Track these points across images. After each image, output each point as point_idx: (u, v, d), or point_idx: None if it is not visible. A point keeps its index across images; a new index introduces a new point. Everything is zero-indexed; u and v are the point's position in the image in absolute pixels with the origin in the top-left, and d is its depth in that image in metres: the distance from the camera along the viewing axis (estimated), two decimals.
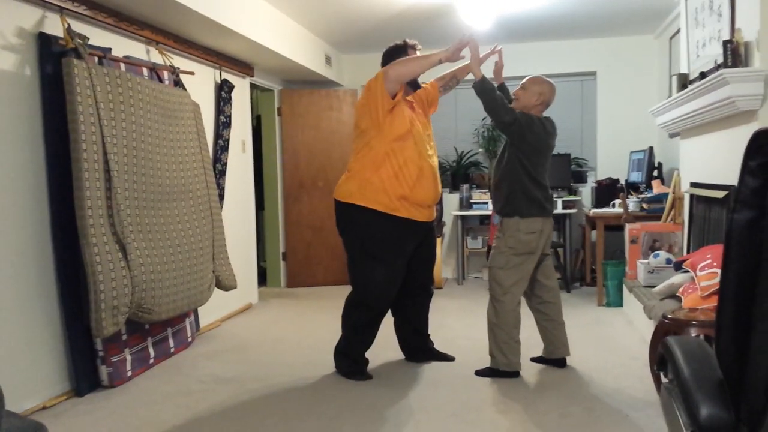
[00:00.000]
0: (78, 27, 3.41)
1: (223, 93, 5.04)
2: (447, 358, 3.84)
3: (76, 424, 3.01)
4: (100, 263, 3.21)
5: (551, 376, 3.51)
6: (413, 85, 3.62)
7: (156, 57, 4.19)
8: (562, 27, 5.96)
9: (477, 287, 6.29)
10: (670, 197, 4.83)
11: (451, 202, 6.77)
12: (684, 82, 4.17)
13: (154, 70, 4.03)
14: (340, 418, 3.01)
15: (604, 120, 6.58)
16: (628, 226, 4.84)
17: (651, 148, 5.69)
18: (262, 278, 6.54)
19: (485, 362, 3.56)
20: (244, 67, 5.51)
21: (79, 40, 3.29)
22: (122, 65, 3.70)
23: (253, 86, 5.97)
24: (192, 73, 4.52)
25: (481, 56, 3.45)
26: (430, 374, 3.62)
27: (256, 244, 5.94)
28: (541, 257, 3.54)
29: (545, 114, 3.58)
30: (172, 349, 4.07)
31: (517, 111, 3.42)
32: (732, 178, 3.38)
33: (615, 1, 5.14)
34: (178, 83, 4.26)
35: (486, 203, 6.35)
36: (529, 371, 3.58)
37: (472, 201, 6.52)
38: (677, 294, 3.55)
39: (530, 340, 3.81)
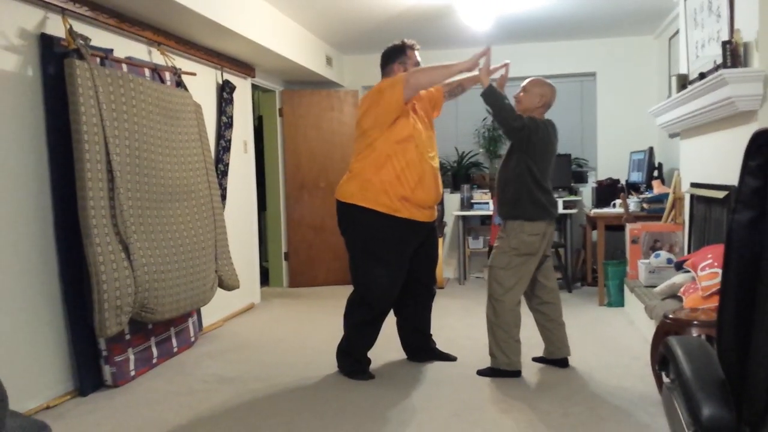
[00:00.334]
0: (80, 28, 3.42)
1: (225, 94, 5.05)
2: (449, 357, 3.85)
3: (79, 423, 3.02)
4: (103, 263, 3.22)
5: (553, 376, 3.52)
6: None
7: (158, 58, 4.20)
8: (561, 28, 5.97)
9: (478, 287, 6.29)
10: (670, 197, 4.83)
11: (452, 202, 6.78)
12: (683, 82, 4.18)
13: (156, 71, 4.04)
14: (342, 417, 3.02)
15: (604, 120, 6.58)
16: (628, 226, 4.85)
17: (651, 149, 5.70)
18: (265, 278, 6.55)
19: (487, 362, 3.57)
20: (245, 68, 5.52)
21: (81, 41, 3.30)
22: (124, 66, 3.71)
23: (254, 87, 5.98)
24: (194, 74, 4.53)
25: (491, 67, 3.47)
26: (432, 374, 3.63)
27: (258, 244, 5.95)
28: (542, 258, 3.55)
29: (546, 116, 3.59)
30: (175, 349, 4.08)
31: (523, 116, 3.45)
32: (732, 178, 3.39)
33: (614, 1, 5.15)
34: (179, 84, 4.27)
35: (487, 203, 6.36)
36: (531, 371, 3.59)
37: (473, 201, 6.52)
38: (678, 294, 3.56)
39: (531, 340, 3.82)
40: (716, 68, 3.49)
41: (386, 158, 3.41)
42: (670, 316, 2.95)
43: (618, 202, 5.45)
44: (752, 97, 3.14)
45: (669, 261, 4.33)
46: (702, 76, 3.68)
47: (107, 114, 3.34)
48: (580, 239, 6.53)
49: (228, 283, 4.39)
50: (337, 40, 6.31)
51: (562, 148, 6.32)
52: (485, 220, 6.73)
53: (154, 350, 3.85)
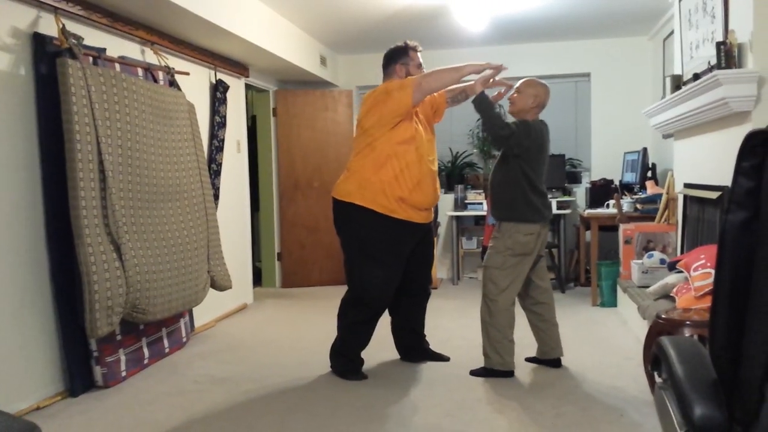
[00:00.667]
0: (72, 27, 3.41)
1: (218, 93, 5.04)
2: (442, 358, 3.85)
3: (70, 424, 3.00)
4: (94, 263, 3.20)
5: (546, 376, 3.52)
6: None
7: (151, 57, 4.18)
8: (556, 28, 5.97)
9: (472, 288, 6.29)
10: (663, 198, 4.84)
11: (446, 202, 6.77)
12: (678, 83, 4.19)
13: (149, 70, 4.02)
14: (335, 417, 3.01)
15: (599, 121, 6.60)
16: (622, 227, 4.85)
17: (645, 149, 5.71)
18: (257, 278, 6.52)
19: (480, 362, 3.57)
20: (239, 68, 5.50)
21: (73, 41, 3.28)
22: (117, 65, 3.70)
23: (248, 87, 5.96)
24: (187, 74, 4.51)
25: (493, 79, 3.49)
26: (426, 374, 3.62)
27: (251, 245, 5.93)
28: (536, 258, 3.55)
29: (541, 116, 3.59)
30: (167, 350, 4.06)
31: (515, 119, 3.45)
32: (725, 179, 3.40)
33: (609, 2, 5.16)
34: (173, 84, 4.25)
35: (481, 204, 6.36)
36: (524, 371, 3.59)
37: (467, 201, 6.53)
38: (671, 294, 3.56)
39: (525, 340, 3.82)
40: (710, 69, 3.50)
41: (386, 158, 3.41)
42: (663, 316, 2.95)
43: (611, 202, 5.46)
44: (746, 98, 3.15)
45: (662, 261, 4.34)
46: (696, 77, 3.68)
47: (99, 113, 3.33)
48: (573, 239, 6.54)
49: (220, 284, 4.38)
50: (331, 40, 6.30)
51: (556, 149, 6.39)
52: (479, 220, 6.73)
53: (146, 351, 3.83)
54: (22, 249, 3.16)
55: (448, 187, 6.86)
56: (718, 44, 3.31)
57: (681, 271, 3.57)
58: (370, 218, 3.43)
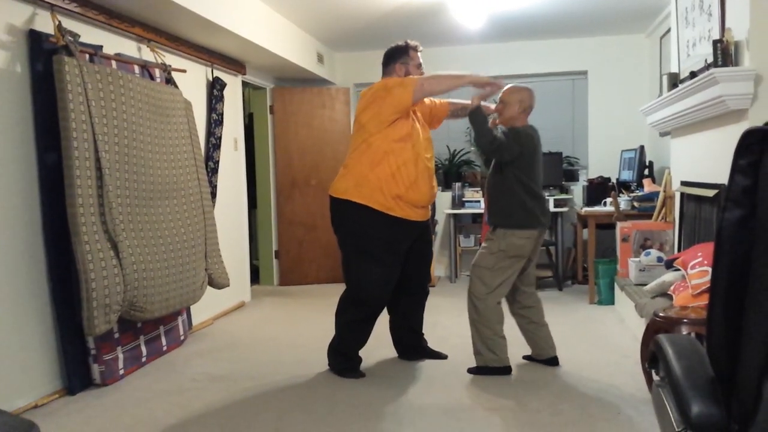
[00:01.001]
0: (69, 24, 3.39)
1: (215, 91, 5.03)
2: (440, 356, 3.85)
3: (68, 422, 3.00)
4: (91, 261, 3.19)
5: (543, 374, 3.52)
6: None
7: (147, 55, 4.17)
8: (553, 26, 5.97)
9: None
10: (660, 196, 4.85)
11: (444, 200, 6.78)
12: (674, 81, 4.19)
13: (146, 67, 4.01)
14: (332, 415, 3.01)
15: (596, 119, 6.60)
16: (619, 225, 4.86)
17: (642, 147, 5.71)
18: (255, 276, 6.53)
19: None
20: (236, 65, 5.49)
21: (69, 38, 3.27)
22: (113, 63, 3.69)
23: (245, 84, 5.96)
24: (184, 71, 4.50)
25: (488, 105, 3.54)
26: (423, 372, 3.62)
27: (248, 242, 5.93)
28: (525, 263, 3.55)
29: (537, 115, 3.59)
30: (165, 348, 4.06)
31: (504, 128, 3.47)
32: (722, 176, 3.41)
33: (606, 0, 5.16)
34: (169, 81, 4.24)
35: (478, 201, 6.36)
36: (521, 369, 3.60)
37: (464, 199, 6.53)
38: (668, 292, 3.57)
39: (519, 339, 3.82)
40: (707, 67, 3.50)
41: (383, 155, 3.41)
42: (660, 314, 2.96)
43: (609, 200, 5.47)
44: (743, 96, 3.15)
45: (659, 259, 4.35)
46: (693, 74, 3.69)
47: (96, 111, 3.32)
48: (570, 237, 6.54)
49: (218, 282, 4.37)
50: (328, 38, 6.29)
51: (553, 147, 6.40)
52: (476, 218, 6.73)
53: (144, 349, 3.83)
54: (19, 247, 3.16)
55: (446, 184, 6.86)
56: (715, 42, 3.31)
57: (678, 269, 3.58)
58: (367, 216, 3.43)
